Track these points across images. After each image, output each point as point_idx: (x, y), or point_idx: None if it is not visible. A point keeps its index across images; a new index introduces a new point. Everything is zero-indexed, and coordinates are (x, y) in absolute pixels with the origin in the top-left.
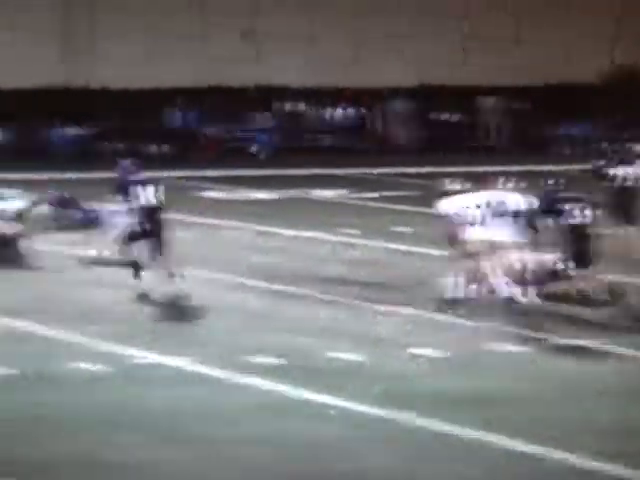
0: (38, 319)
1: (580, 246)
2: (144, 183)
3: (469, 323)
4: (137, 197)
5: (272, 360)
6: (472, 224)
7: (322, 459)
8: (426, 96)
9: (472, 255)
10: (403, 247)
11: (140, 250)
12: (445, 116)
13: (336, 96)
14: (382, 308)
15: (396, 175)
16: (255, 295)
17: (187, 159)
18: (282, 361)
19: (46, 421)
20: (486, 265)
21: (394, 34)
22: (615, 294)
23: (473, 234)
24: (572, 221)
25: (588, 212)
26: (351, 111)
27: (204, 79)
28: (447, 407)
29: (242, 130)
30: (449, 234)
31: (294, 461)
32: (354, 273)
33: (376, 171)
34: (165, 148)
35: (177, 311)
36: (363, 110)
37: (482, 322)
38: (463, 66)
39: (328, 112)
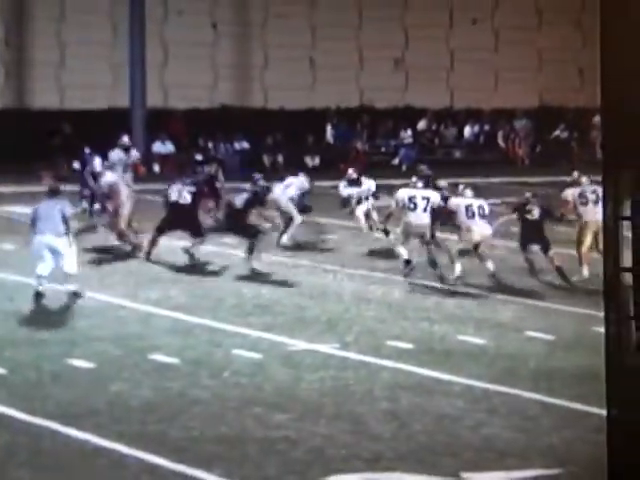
0: (204, 314)
1: None
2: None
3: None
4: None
5: (407, 345)
6: None
7: (449, 430)
8: (545, 116)
9: None
10: None
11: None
12: (559, 133)
13: (467, 116)
14: (500, 297)
15: (516, 184)
16: (395, 288)
17: (338, 170)
18: (415, 345)
19: (200, 403)
20: None
21: (520, 67)
22: None
23: None
24: None
25: None
26: (478, 128)
27: (356, 101)
28: (556, 382)
29: (386, 145)
30: None
31: (423, 433)
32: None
33: (499, 180)
34: (318, 160)
35: (325, 303)
36: (487, 127)
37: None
38: (578, 90)
39: (459, 130)
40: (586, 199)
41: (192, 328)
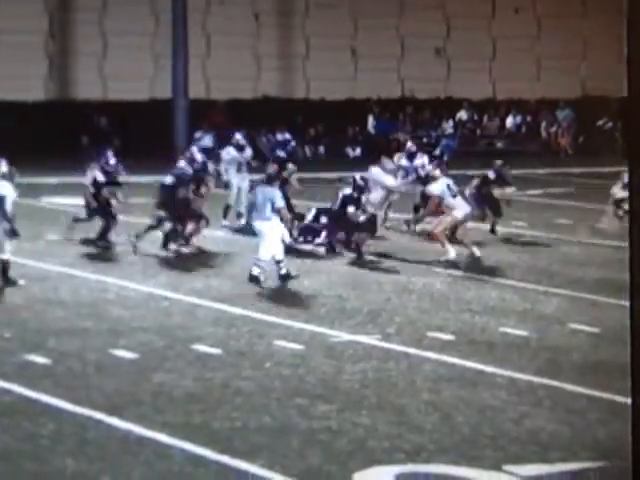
0: (246, 305)
1: None
2: None
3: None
4: None
5: (449, 336)
6: None
7: (492, 422)
8: (588, 105)
9: None
10: (563, 237)
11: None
12: (601, 123)
13: (509, 106)
14: (541, 288)
15: (559, 174)
16: (438, 279)
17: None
18: (457, 337)
19: (243, 394)
20: None
21: (563, 56)
22: None
23: None
24: None
25: None
26: (520, 119)
27: (398, 91)
28: (599, 375)
29: (428, 136)
30: None
31: (466, 425)
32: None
33: (542, 171)
34: (359, 151)
35: (367, 294)
36: (530, 118)
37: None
38: (622, 80)
39: (501, 120)
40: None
41: (234, 319)
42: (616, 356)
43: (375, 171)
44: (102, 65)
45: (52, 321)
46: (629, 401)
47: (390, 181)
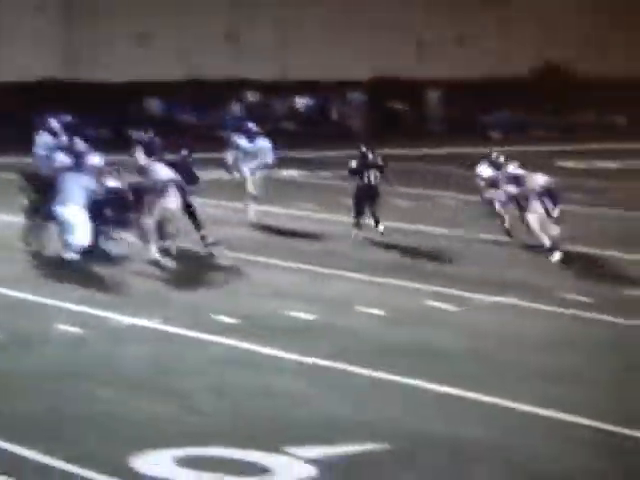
0: (25, 288)
1: None
2: None
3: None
4: None
5: (233, 319)
6: None
7: (275, 405)
8: (378, 88)
9: None
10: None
11: None
12: (394, 105)
13: (300, 88)
14: (326, 271)
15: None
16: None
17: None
18: (243, 320)
19: (20, 377)
20: None
21: (356, 38)
22: None
23: None
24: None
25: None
26: (310, 101)
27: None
28: (387, 356)
29: (216, 117)
30: None
31: (248, 408)
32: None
33: (332, 153)
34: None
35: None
36: (322, 100)
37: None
38: (414, 62)
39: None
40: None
41: (14, 303)
42: (402, 338)
43: None
44: None
45: None
46: (416, 382)
47: None
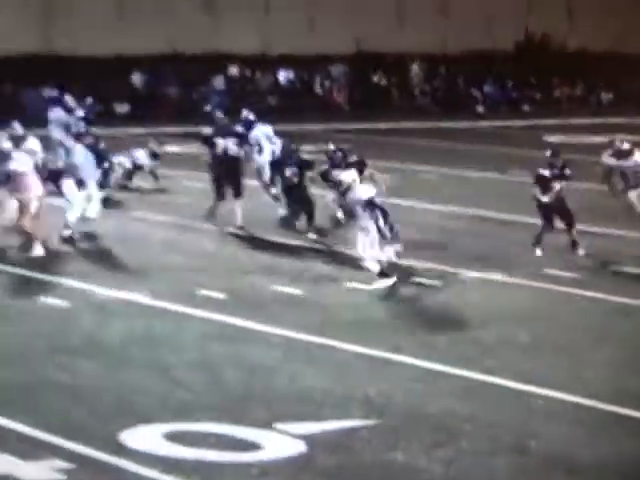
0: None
1: None
2: None
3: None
4: None
5: (220, 294)
6: None
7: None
8: (362, 62)
9: None
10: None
11: None
12: (378, 80)
13: (282, 62)
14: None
15: (332, 131)
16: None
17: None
18: (229, 295)
19: (4, 350)
20: None
21: (342, 11)
22: None
23: None
24: None
25: None
26: (293, 75)
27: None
28: (367, 331)
29: (198, 92)
30: None
31: (236, 383)
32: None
33: (316, 127)
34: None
35: (135, 250)
36: (305, 74)
37: None
38: (396, 35)
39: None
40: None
41: None
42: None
43: None
44: None
45: None
46: (395, 357)
47: None
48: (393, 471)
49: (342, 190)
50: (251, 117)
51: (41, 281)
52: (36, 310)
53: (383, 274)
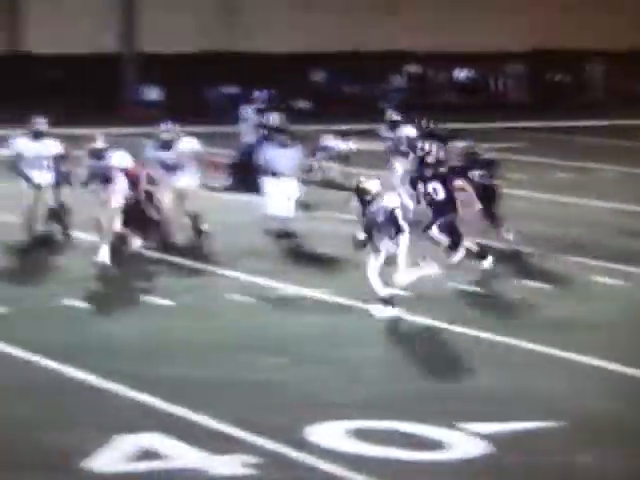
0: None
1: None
2: None
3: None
4: None
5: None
6: None
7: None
8: (538, 59)
9: None
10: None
11: None
12: (555, 77)
13: (460, 59)
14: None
15: (508, 129)
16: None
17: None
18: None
19: (193, 346)
20: None
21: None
22: None
23: None
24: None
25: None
26: (470, 72)
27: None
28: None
29: (378, 89)
30: None
31: (417, 381)
32: None
33: (492, 125)
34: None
35: (318, 247)
36: (483, 72)
37: None
38: (573, 33)
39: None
40: None
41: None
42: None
43: None
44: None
45: None
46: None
47: None
48: (582, 473)
49: (368, 199)
50: (395, 117)
51: (225, 277)
52: (223, 306)
53: (386, 301)
